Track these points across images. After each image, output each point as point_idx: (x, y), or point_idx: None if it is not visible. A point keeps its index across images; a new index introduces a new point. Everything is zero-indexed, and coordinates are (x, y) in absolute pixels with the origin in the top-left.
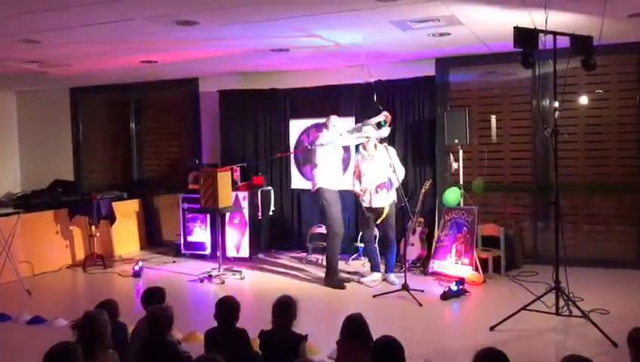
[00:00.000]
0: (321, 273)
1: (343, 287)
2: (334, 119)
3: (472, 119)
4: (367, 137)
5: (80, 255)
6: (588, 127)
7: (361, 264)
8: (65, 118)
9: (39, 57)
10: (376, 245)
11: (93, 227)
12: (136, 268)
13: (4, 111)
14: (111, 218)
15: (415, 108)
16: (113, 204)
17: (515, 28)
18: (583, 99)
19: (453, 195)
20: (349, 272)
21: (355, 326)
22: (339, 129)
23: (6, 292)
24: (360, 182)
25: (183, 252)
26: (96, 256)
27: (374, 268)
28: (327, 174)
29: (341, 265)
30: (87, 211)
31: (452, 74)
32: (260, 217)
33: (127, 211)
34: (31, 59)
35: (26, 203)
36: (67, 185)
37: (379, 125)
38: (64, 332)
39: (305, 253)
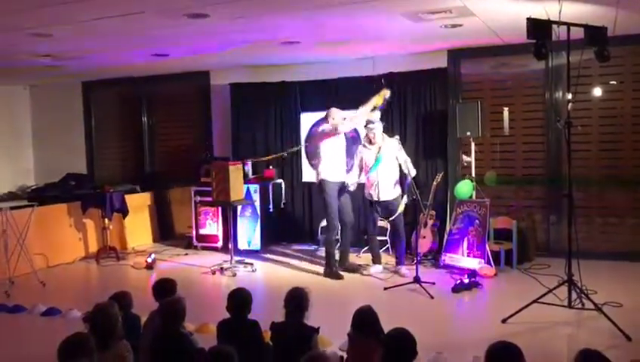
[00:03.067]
0: None
1: (340, 278)
2: (334, 112)
3: (485, 111)
4: (369, 123)
5: (93, 247)
6: (601, 119)
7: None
8: (77, 112)
9: (51, 51)
10: (388, 238)
11: (106, 220)
12: (149, 260)
13: (17, 105)
14: (124, 211)
15: (426, 101)
16: (126, 196)
17: (528, 19)
18: (597, 91)
19: (465, 188)
20: (358, 265)
21: (365, 319)
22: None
23: (21, 284)
24: (367, 176)
25: (195, 244)
26: (110, 248)
27: (376, 260)
28: (330, 166)
29: (352, 257)
30: (100, 204)
31: (464, 66)
32: (271, 210)
33: (139, 204)
34: (43, 52)
35: (40, 196)
36: (80, 178)
37: (373, 109)
38: (78, 324)
39: (316, 246)
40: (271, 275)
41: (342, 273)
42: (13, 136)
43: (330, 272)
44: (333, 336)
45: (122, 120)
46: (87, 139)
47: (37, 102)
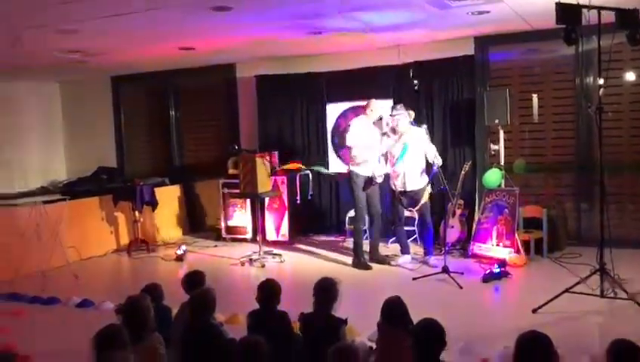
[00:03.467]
0: None
1: (368, 268)
2: (374, 103)
3: (513, 98)
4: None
5: (124, 240)
6: (633, 105)
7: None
8: (107, 106)
9: (79, 47)
10: (416, 228)
11: (136, 212)
12: (179, 252)
13: (49, 102)
14: (153, 203)
15: (454, 89)
16: (155, 189)
17: (557, 4)
18: (629, 76)
19: (493, 177)
20: (387, 255)
21: (395, 309)
22: (377, 113)
23: (55, 276)
24: (393, 167)
25: (224, 236)
26: (140, 240)
27: (404, 251)
28: (360, 159)
29: (379, 248)
30: (130, 197)
31: (492, 52)
32: (298, 202)
33: (168, 197)
34: (72, 48)
35: (72, 190)
36: (111, 171)
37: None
38: (111, 316)
39: (343, 237)
40: (299, 266)
41: (370, 264)
42: (45, 132)
43: (359, 263)
44: (362, 327)
45: (150, 114)
46: (116, 133)
47: (68, 97)
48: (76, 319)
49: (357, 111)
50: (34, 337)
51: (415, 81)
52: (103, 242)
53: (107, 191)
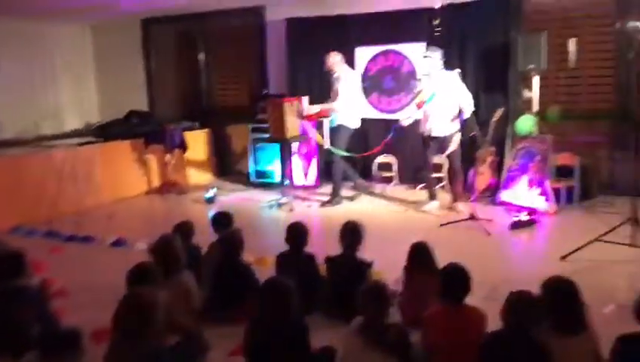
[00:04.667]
0: (386, 201)
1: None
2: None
3: (549, 43)
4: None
5: (156, 182)
6: None
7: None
8: (137, 50)
9: None
10: (445, 174)
11: (167, 155)
12: (210, 194)
13: (80, 45)
14: (183, 147)
15: (487, 32)
16: (185, 133)
17: None
18: None
19: (526, 123)
20: (414, 201)
21: (421, 254)
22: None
23: (90, 216)
24: (422, 109)
25: (252, 180)
26: (172, 183)
27: (432, 197)
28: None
29: (407, 193)
30: (161, 140)
31: None
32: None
33: (198, 141)
34: None
35: (105, 133)
36: (142, 115)
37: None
38: (144, 254)
39: (371, 182)
40: (327, 210)
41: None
42: (77, 76)
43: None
44: (388, 270)
45: (180, 57)
46: (147, 77)
47: (98, 41)
48: (110, 256)
49: (387, 55)
50: (70, 272)
51: (438, 28)
52: (135, 184)
53: (139, 134)
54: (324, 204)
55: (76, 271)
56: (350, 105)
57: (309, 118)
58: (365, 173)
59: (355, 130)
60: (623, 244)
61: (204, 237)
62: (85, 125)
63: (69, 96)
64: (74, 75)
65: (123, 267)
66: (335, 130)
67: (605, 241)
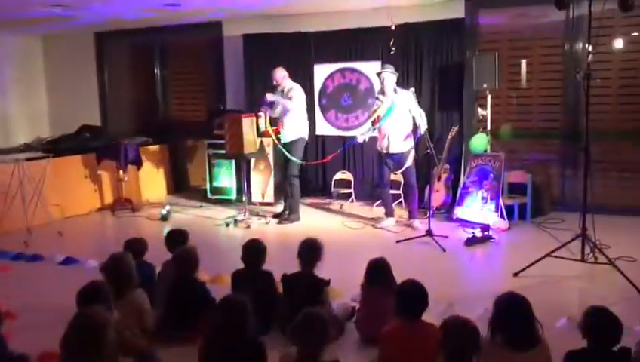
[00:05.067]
0: (345, 218)
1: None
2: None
3: (502, 63)
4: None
5: (108, 199)
6: (622, 72)
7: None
8: (90, 63)
9: (62, 0)
10: (401, 191)
11: (120, 171)
12: (164, 211)
13: (30, 57)
14: (138, 163)
15: (443, 52)
16: (140, 149)
17: None
18: (619, 43)
19: (479, 141)
20: (372, 218)
21: (378, 270)
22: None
23: (38, 234)
24: (378, 127)
25: (209, 197)
26: (125, 200)
27: (388, 214)
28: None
29: (364, 210)
30: (114, 156)
31: (482, 16)
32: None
33: (153, 156)
34: (53, 2)
35: (55, 147)
36: (95, 130)
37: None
38: (95, 273)
39: (329, 199)
40: (284, 228)
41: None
42: (27, 88)
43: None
44: (346, 288)
45: (135, 72)
46: (100, 91)
47: (50, 53)
48: (60, 276)
49: (345, 73)
50: (17, 292)
51: (393, 48)
52: (87, 201)
53: (91, 149)
54: (281, 221)
55: (23, 291)
56: (304, 117)
57: (266, 133)
58: (324, 189)
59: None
60: (574, 260)
61: (159, 256)
62: (35, 139)
63: (18, 108)
64: (23, 87)
65: (73, 286)
66: (291, 144)
67: (556, 257)
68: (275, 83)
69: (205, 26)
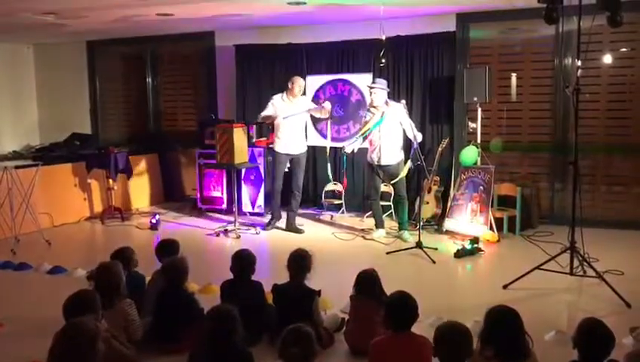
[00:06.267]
0: (336, 229)
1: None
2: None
3: (492, 77)
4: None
5: (98, 207)
6: (611, 87)
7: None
8: (82, 72)
9: (54, 8)
10: (391, 203)
11: (110, 180)
12: (154, 221)
13: (21, 64)
14: (128, 172)
15: (434, 65)
16: (130, 158)
17: None
18: (607, 58)
19: (470, 154)
20: (362, 229)
21: (368, 282)
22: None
23: (27, 242)
24: (367, 138)
25: (199, 206)
26: (114, 208)
27: (378, 225)
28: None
29: (354, 221)
30: (104, 165)
31: (473, 30)
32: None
33: (143, 165)
34: (45, 10)
35: (45, 155)
36: (85, 138)
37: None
38: (83, 282)
39: (320, 210)
40: (274, 238)
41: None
42: (17, 96)
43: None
44: (335, 299)
45: (127, 80)
46: (91, 99)
47: (41, 61)
48: (48, 285)
49: (336, 84)
50: (4, 302)
51: (382, 60)
52: (76, 209)
53: (80, 157)
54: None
55: (11, 301)
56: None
57: (258, 143)
58: (315, 200)
59: None
60: (563, 273)
61: (148, 265)
62: (25, 147)
63: (8, 116)
64: (14, 94)
65: (61, 296)
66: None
67: (545, 270)
68: (296, 91)
69: (197, 36)
